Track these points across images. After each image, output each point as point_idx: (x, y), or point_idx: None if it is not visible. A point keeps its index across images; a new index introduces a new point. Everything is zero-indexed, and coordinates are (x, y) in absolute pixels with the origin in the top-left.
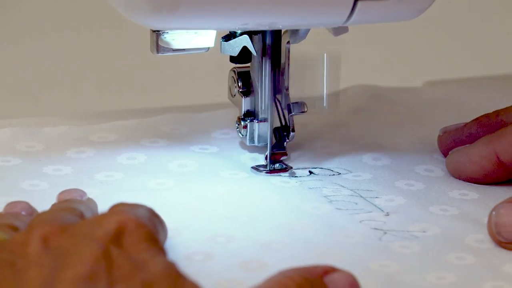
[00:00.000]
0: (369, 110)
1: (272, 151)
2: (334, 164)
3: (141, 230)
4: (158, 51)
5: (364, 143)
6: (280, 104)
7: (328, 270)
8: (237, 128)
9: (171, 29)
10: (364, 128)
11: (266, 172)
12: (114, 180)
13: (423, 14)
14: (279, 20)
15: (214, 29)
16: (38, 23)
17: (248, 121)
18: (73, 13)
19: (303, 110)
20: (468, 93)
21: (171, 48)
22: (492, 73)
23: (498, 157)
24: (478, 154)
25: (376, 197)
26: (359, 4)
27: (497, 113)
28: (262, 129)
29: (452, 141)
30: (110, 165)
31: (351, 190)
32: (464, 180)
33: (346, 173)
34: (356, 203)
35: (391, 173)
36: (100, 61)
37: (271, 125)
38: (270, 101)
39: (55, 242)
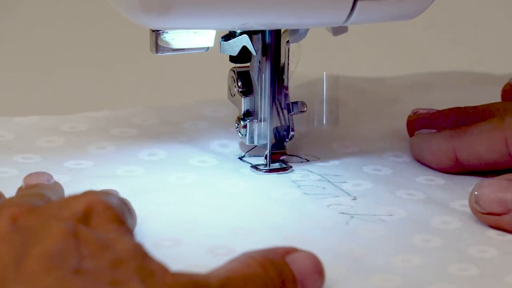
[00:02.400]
0: (337, 99)
1: (271, 150)
2: (302, 151)
3: (108, 211)
4: (157, 51)
5: (332, 131)
6: (279, 103)
7: (290, 251)
8: (237, 127)
9: (165, 28)
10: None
11: (265, 171)
12: (83, 168)
13: (422, 14)
14: (279, 20)
15: (210, 29)
16: (36, 19)
17: (248, 120)
18: (72, 11)
19: (302, 110)
20: (439, 84)
21: (171, 48)
22: (485, 72)
23: (456, 155)
24: (438, 147)
25: (344, 182)
26: (358, 3)
27: (471, 108)
28: (261, 129)
29: (420, 124)
30: (80, 153)
31: (319, 175)
32: (423, 165)
33: (314, 160)
34: (324, 188)
35: (358, 159)
36: (100, 61)
37: (271, 124)
38: (270, 100)
39: (24, 221)
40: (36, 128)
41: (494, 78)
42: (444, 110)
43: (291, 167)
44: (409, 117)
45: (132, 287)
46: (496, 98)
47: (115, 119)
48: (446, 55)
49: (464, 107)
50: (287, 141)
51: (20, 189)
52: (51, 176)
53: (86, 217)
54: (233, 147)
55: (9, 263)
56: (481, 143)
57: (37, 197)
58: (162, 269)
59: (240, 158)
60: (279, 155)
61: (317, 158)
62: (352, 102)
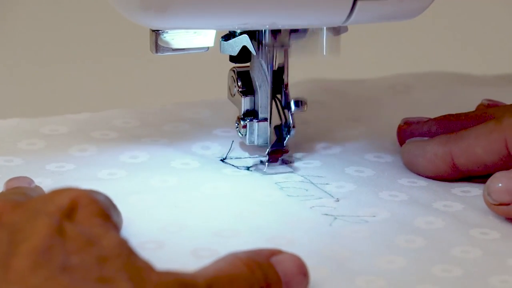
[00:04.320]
0: (320, 102)
1: (272, 148)
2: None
3: (93, 205)
4: (157, 50)
5: (315, 133)
6: (280, 102)
7: (275, 252)
8: (237, 127)
9: (164, 28)
10: (315, 119)
11: (266, 171)
12: (65, 171)
13: (422, 14)
14: (278, 20)
15: (209, 29)
16: (35, 18)
17: (248, 120)
18: (72, 11)
19: (303, 109)
20: (419, 85)
21: (171, 48)
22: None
23: (453, 160)
24: (434, 152)
25: (327, 184)
26: (358, 4)
27: (464, 115)
28: (261, 129)
29: (411, 133)
30: (61, 156)
31: (301, 176)
32: (416, 174)
33: (296, 161)
34: (307, 190)
35: (340, 160)
36: (99, 60)
37: (271, 123)
38: (270, 100)
39: (9, 218)
40: (17, 130)
41: (474, 78)
42: (436, 118)
43: (292, 164)
44: (400, 126)
45: (119, 284)
46: (476, 98)
47: (95, 121)
48: (425, 56)
49: (456, 114)
50: (287, 139)
51: (1, 193)
52: (32, 180)
53: (71, 211)
54: (215, 149)
55: None
56: (479, 146)
57: (19, 194)
58: (148, 267)
59: (222, 160)
60: (279, 154)
61: (299, 159)
62: (333, 103)
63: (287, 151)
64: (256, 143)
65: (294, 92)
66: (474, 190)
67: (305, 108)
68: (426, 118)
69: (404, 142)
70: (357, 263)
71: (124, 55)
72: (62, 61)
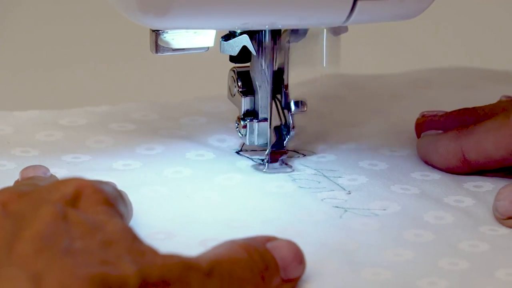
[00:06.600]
0: (338, 97)
1: (271, 150)
2: (299, 146)
3: (97, 194)
4: (157, 51)
5: (331, 127)
6: (279, 102)
7: (270, 239)
8: (237, 127)
9: (165, 29)
10: (332, 114)
11: (265, 171)
12: (80, 162)
13: (422, 14)
14: (279, 20)
15: (211, 29)
16: (39, 17)
17: (248, 120)
18: (73, 10)
19: (302, 109)
20: (438, 81)
21: (171, 48)
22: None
23: (463, 155)
24: (445, 147)
25: (339, 177)
26: (358, 3)
27: (480, 109)
28: (261, 129)
29: (429, 126)
30: (78, 147)
31: (315, 169)
32: (432, 167)
33: (310, 155)
34: (319, 182)
35: (355, 155)
36: (100, 60)
37: (271, 124)
38: (270, 100)
39: (14, 206)
40: (36, 122)
41: (494, 74)
42: (452, 111)
43: (291, 166)
44: (418, 119)
45: (123, 266)
46: (496, 94)
47: (114, 114)
48: (445, 53)
49: (473, 108)
50: (287, 140)
51: (16, 182)
52: (47, 169)
53: (74, 199)
54: (231, 141)
55: (0, 247)
56: (488, 141)
57: (29, 186)
58: (152, 250)
59: (237, 152)
60: (279, 154)
61: (313, 153)
62: (351, 98)
63: (286, 152)
64: (256, 143)
65: (312, 87)
66: (486, 185)
67: (305, 108)
68: (444, 111)
69: (421, 135)
70: (365, 256)
71: (124, 55)
72: (61, 60)
